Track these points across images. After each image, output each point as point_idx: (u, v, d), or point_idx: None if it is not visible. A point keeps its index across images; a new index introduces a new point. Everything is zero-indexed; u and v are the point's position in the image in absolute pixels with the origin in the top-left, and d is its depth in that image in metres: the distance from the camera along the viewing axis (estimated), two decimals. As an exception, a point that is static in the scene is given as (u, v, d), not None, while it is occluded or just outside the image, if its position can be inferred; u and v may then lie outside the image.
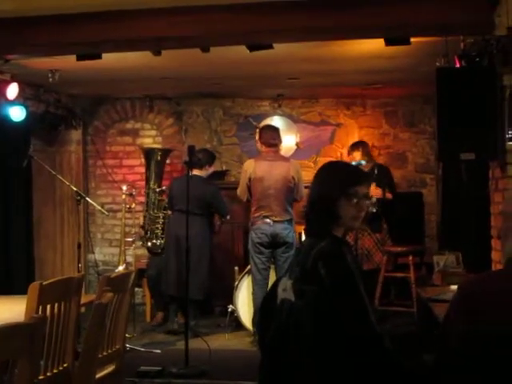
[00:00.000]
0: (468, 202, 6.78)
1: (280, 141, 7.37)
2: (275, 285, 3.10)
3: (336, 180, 3.05)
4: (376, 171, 7.76)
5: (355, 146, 8.26)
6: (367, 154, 8.22)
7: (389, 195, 7.83)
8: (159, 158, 8.48)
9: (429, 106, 8.87)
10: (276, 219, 7.04)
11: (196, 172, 7.58)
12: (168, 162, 8.86)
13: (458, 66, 5.25)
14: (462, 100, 4.89)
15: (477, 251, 5.99)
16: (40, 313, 3.39)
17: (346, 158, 8.41)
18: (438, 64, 5.65)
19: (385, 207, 7.66)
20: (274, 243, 7.04)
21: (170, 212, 7.88)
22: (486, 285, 2.39)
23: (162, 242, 8.03)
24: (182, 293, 6.80)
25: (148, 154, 8.54)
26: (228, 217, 7.89)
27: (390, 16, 4.77)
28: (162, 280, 7.69)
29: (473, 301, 2.34)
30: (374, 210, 3.17)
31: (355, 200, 2.97)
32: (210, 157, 7.95)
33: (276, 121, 9.16)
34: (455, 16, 4.66)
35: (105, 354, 4.11)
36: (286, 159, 7.42)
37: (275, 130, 7.46)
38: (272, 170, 7.11)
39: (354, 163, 7.34)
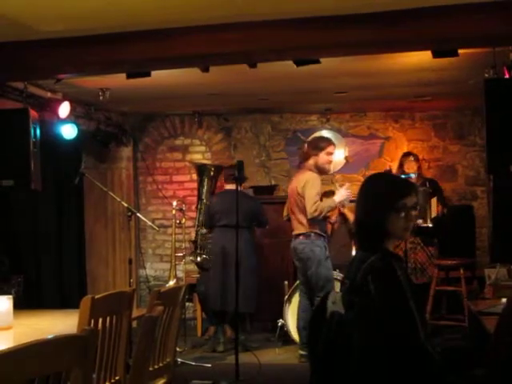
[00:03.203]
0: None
1: (309, 153, 7.08)
2: (325, 298, 3.11)
3: (382, 196, 3.03)
4: (428, 186, 7.72)
5: (410, 157, 8.12)
6: (420, 166, 8.14)
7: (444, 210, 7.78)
8: (212, 174, 8.54)
9: (478, 118, 8.78)
10: (294, 233, 7.02)
11: (231, 187, 7.62)
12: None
13: (506, 76, 5.21)
14: (511, 111, 4.85)
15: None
16: (92, 326, 3.44)
17: (396, 170, 8.33)
18: (486, 75, 5.61)
19: (437, 222, 7.62)
20: (297, 259, 7.03)
21: (205, 230, 7.87)
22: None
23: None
24: (232, 307, 6.84)
25: (201, 170, 8.60)
26: (267, 227, 7.97)
27: (437, 28, 4.74)
28: (211, 296, 7.67)
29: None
30: (421, 221, 3.16)
31: (404, 212, 2.96)
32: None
33: (324, 135, 9.17)
34: (502, 27, 4.61)
35: (156, 367, 4.14)
36: (304, 171, 7.07)
37: (310, 143, 7.27)
38: (292, 183, 7.14)
39: (403, 176, 7.27)
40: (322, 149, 6.99)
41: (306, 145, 7.33)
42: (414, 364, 2.77)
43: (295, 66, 5.42)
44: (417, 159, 8.17)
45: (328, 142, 7.16)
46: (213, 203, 7.81)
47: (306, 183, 6.86)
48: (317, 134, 8.84)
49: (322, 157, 6.98)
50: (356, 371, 2.79)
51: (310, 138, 8.06)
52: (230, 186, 7.62)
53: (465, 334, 7.10)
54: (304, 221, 6.90)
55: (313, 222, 6.85)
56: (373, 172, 8.68)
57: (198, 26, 4.94)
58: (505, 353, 2.35)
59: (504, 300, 4.74)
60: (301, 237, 6.92)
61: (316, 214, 6.72)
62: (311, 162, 7.01)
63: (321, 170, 7.05)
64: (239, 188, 7.64)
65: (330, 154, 7.04)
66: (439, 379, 2.76)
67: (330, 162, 7.09)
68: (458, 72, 6.64)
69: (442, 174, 9.05)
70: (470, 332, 6.89)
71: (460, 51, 5.19)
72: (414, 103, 8.66)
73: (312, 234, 6.88)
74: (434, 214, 7.54)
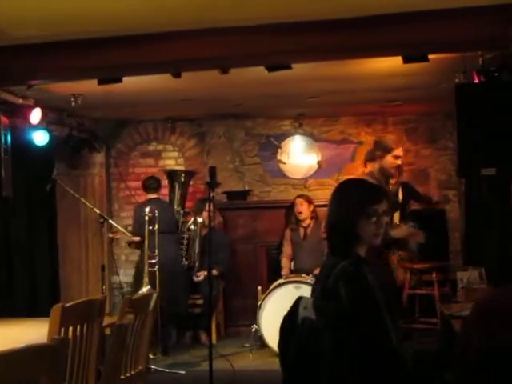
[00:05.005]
0: (491, 217, 6.74)
1: (374, 154, 6.41)
2: (296, 303, 3.10)
3: (354, 201, 3.04)
4: (401, 192, 7.65)
5: (372, 157, 7.90)
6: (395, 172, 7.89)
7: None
8: (183, 179, 8.55)
9: (450, 122, 8.83)
10: None
11: (155, 195, 8.00)
12: (191, 183, 8.92)
13: (476, 81, 5.25)
14: (481, 115, 4.89)
15: (501, 266, 5.95)
16: (62, 334, 3.42)
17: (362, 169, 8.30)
18: (456, 80, 5.66)
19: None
20: None
21: (136, 238, 7.81)
22: (503, 300, 2.39)
23: (186, 263, 8.12)
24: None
25: (171, 176, 8.60)
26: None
27: (406, 34, 4.78)
28: (173, 303, 7.75)
29: (490, 316, 2.34)
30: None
31: (374, 219, 2.98)
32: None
33: (297, 140, 9.23)
34: (471, 32, 4.66)
35: (127, 375, 4.12)
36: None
37: (376, 144, 6.49)
38: None
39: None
40: (389, 151, 6.21)
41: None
42: (386, 368, 2.78)
43: (267, 72, 5.43)
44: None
45: (396, 143, 6.47)
46: (141, 213, 7.71)
47: None
48: (290, 140, 8.83)
49: (389, 159, 6.20)
50: (328, 376, 2.80)
51: (376, 138, 7.08)
52: (152, 195, 8.01)
53: (437, 338, 7.13)
54: None
55: None
56: (346, 177, 8.73)
57: (170, 31, 4.94)
58: (473, 356, 2.36)
59: (475, 303, 4.77)
60: None
61: None
62: (376, 165, 6.27)
63: (385, 174, 6.26)
64: (157, 196, 8.04)
65: (398, 157, 6.24)
66: (411, 383, 2.77)
67: (396, 166, 6.29)
68: (429, 77, 6.68)
69: (415, 177, 9.08)
70: (442, 335, 6.92)
71: (430, 56, 5.23)
72: (386, 108, 8.71)
73: None
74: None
